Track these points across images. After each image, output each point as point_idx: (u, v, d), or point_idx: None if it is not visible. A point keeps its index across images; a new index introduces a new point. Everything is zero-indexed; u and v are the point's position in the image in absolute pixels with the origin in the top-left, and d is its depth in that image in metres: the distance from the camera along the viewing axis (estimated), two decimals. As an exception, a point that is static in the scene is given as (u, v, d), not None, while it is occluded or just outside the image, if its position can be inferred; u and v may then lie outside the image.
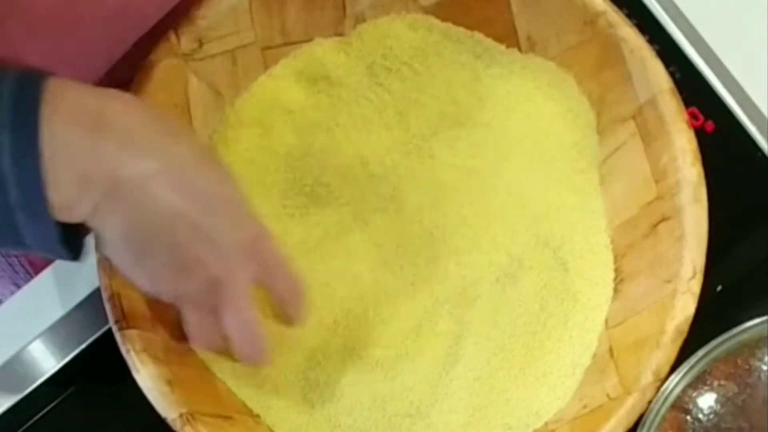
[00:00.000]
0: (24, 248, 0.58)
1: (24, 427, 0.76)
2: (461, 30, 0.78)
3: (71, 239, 0.59)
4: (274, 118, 0.77)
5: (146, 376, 0.66)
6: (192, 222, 0.59)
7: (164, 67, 0.72)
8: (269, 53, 0.77)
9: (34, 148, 0.54)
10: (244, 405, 0.71)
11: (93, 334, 0.76)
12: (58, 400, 0.76)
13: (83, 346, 0.76)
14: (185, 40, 0.73)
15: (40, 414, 0.76)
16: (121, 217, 0.59)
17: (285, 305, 0.68)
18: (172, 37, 0.73)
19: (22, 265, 0.90)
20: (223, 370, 0.72)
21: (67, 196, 0.57)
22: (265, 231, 0.64)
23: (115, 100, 0.59)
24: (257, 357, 0.67)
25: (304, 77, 0.78)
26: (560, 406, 0.70)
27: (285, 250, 0.66)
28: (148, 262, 0.61)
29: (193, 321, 0.66)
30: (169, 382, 0.67)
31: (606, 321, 0.72)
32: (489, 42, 0.78)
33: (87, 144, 0.56)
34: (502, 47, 0.77)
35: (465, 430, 0.70)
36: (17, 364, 0.76)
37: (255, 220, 0.63)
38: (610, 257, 0.73)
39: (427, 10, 0.77)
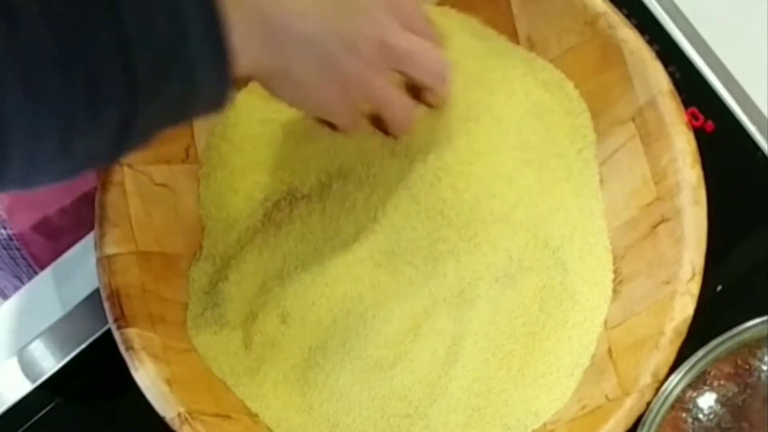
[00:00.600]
0: (191, 95, 0.57)
1: (24, 427, 0.76)
2: (475, 22, 0.78)
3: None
4: (275, 114, 0.77)
5: (145, 375, 0.67)
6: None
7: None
8: (269, 53, 0.77)
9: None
10: (243, 404, 0.72)
11: (93, 334, 0.76)
12: (58, 400, 0.76)
13: (83, 346, 0.76)
14: (185, 40, 0.73)
15: (40, 414, 0.76)
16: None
17: (430, 81, 0.70)
18: (173, 36, 0.73)
19: (24, 258, 0.90)
20: (223, 369, 0.72)
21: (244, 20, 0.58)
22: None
23: None
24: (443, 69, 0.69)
25: None
26: (559, 407, 0.70)
27: (282, 247, 0.66)
28: (321, 67, 0.63)
29: (375, 87, 0.66)
30: (168, 381, 0.67)
31: (605, 322, 0.72)
32: (500, 38, 0.77)
33: None
34: (511, 44, 0.77)
35: (463, 430, 0.70)
36: (17, 364, 0.76)
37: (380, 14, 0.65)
38: (610, 258, 0.73)
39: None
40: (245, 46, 0.58)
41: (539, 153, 0.75)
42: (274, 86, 0.64)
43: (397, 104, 0.68)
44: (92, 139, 0.54)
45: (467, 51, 0.76)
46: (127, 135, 0.55)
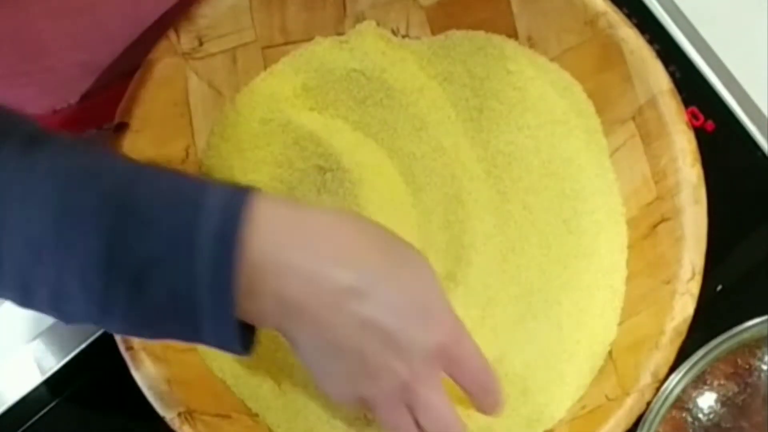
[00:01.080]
0: (195, 340, 0.57)
1: (24, 427, 0.76)
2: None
3: (246, 335, 0.58)
4: (275, 114, 0.77)
5: (145, 375, 0.67)
6: (380, 332, 0.57)
7: (164, 65, 0.72)
8: (269, 52, 0.77)
9: (233, 262, 0.54)
10: (243, 404, 0.72)
11: (93, 334, 0.76)
12: (58, 400, 0.76)
13: (83, 346, 0.76)
14: (185, 39, 0.73)
15: (40, 414, 0.76)
16: (308, 331, 0.58)
17: (476, 399, 0.65)
18: (173, 35, 0.73)
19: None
20: (223, 369, 0.72)
21: (258, 307, 0.56)
22: (458, 329, 0.61)
23: (317, 216, 0.58)
24: None
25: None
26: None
27: None
28: (335, 369, 0.60)
29: (386, 421, 0.62)
30: (168, 381, 0.67)
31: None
32: (501, 38, 0.77)
33: (283, 261, 0.55)
34: (515, 43, 0.77)
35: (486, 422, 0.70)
36: (18, 364, 0.76)
37: (449, 321, 0.61)
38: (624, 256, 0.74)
39: (427, 10, 0.77)
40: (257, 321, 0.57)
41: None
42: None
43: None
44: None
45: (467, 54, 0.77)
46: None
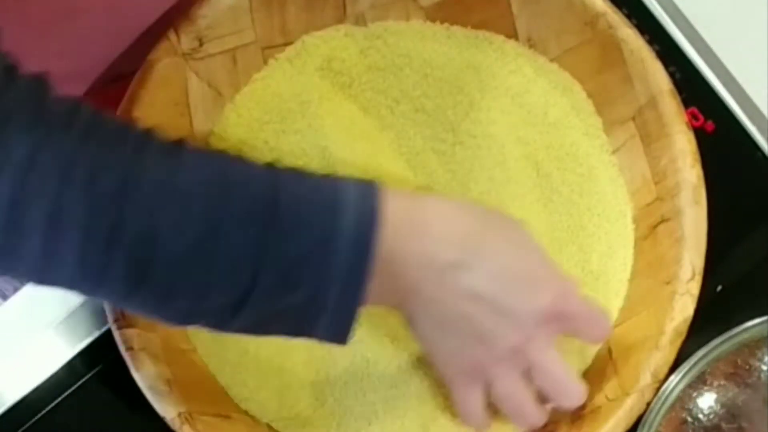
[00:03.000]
0: (304, 334, 0.61)
1: (24, 427, 0.76)
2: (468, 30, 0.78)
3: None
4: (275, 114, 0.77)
5: (145, 376, 0.67)
6: (488, 300, 0.62)
7: (164, 66, 0.72)
8: (269, 53, 0.77)
9: (368, 265, 0.58)
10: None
11: (93, 334, 0.76)
12: (59, 399, 0.76)
13: (83, 346, 0.76)
14: (185, 39, 0.73)
15: (41, 414, 0.76)
16: (423, 308, 0.62)
17: (592, 342, 0.69)
18: (173, 36, 0.73)
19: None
20: (223, 370, 0.72)
21: (380, 293, 0.60)
22: (565, 288, 0.65)
23: (432, 204, 0.62)
24: (579, 399, 0.66)
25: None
26: None
27: None
28: (449, 342, 0.64)
29: (500, 391, 0.65)
30: (168, 382, 0.67)
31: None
32: (497, 37, 0.77)
33: (406, 250, 0.60)
34: (515, 43, 0.77)
35: None
36: (17, 365, 0.76)
37: (554, 283, 0.64)
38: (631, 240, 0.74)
39: (427, 11, 0.77)
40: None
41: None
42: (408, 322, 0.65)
43: (517, 409, 0.66)
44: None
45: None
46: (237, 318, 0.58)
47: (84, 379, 0.76)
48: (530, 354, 0.63)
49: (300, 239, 0.57)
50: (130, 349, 0.67)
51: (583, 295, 0.66)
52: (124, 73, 0.74)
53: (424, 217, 0.61)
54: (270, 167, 0.59)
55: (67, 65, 0.71)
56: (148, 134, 0.57)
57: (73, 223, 0.53)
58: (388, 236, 0.58)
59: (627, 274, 0.73)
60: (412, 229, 0.60)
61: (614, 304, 0.72)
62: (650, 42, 0.74)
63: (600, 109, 0.75)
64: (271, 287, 0.57)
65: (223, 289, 0.56)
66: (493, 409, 0.67)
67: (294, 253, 0.56)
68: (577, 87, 0.76)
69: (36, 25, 0.67)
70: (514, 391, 0.65)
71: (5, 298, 0.81)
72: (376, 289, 0.59)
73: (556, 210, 0.74)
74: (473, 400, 0.66)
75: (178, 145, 0.57)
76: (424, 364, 0.71)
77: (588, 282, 0.73)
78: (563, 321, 0.64)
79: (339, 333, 0.60)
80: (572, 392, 0.66)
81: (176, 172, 0.55)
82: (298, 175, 0.59)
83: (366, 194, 0.59)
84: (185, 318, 0.59)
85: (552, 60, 0.76)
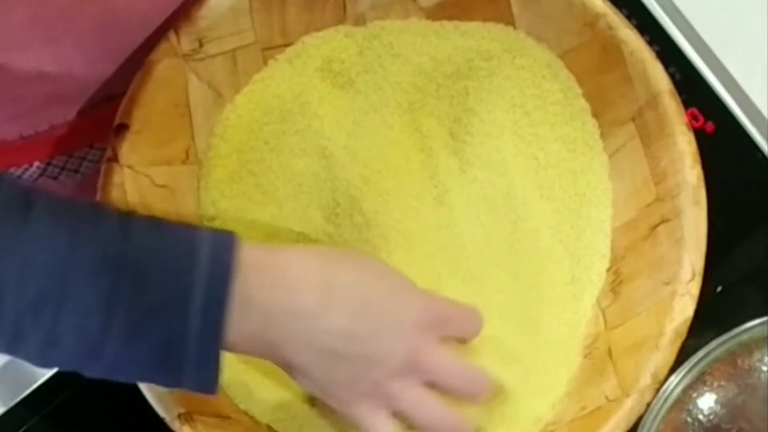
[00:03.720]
0: (175, 384, 0.61)
1: (24, 427, 0.76)
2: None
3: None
4: (275, 114, 0.77)
5: (146, 377, 0.67)
6: (362, 336, 0.62)
7: (164, 67, 0.72)
8: (269, 54, 0.77)
9: (222, 314, 0.59)
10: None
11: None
12: (59, 400, 0.76)
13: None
14: (185, 40, 0.73)
15: (40, 414, 0.76)
16: (300, 356, 0.62)
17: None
18: (173, 37, 0.73)
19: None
20: (223, 370, 0.72)
21: (247, 346, 0.61)
22: (430, 297, 0.66)
23: (286, 254, 0.63)
24: (484, 384, 0.67)
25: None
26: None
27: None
28: (338, 377, 0.64)
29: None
30: (168, 382, 0.67)
31: (605, 322, 0.72)
32: (497, 37, 0.78)
33: (263, 301, 0.60)
34: (512, 42, 0.77)
35: None
36: (17, 365, 0.76)
37: (419, 294, 0.65)
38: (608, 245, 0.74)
39: (427, 12, 0.77)
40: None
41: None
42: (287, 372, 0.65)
43: (427, 418, 0.65)
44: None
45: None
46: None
47: (84, 380, 0.76)
48: (422, 362, 0.64)
49: (153, 292, 0.57)
50: (130, 349, 0.67)
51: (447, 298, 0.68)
52: (114, 94, 0.74)
53: (278, 267, 0.61)
54: (126, 219, 0.59)
55: (48, 87, 0.71)
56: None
57: None
58: (244, 286, 0.59)
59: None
60: (267, 279, 0.61)
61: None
62: (650, 42, 0.74)
63: (600, 109, 0.75)
64: (123, 336, 0.57)
65: (72, 337, 0.57)
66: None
67: (146, 306, 0.57)
68: (575, 85, 0.76)
69: (21, 47, 0.67)
70: (418, 401, 0.64)
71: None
72: (244, 339, 0.60)
73: (557, 198, 0.75)
74: (382, 423, 0.65)
75: (30, 199, 0.57)
76: None
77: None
78: (441, 324, 0.65)
79: (204, 383, 0.60)
80: (474, 379, 0.66)
81: (22, 231, 0.56)
82: (154, 226, 0.60)
83: (221, 245, 0.59)
84: (41, 362, 0.60)
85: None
